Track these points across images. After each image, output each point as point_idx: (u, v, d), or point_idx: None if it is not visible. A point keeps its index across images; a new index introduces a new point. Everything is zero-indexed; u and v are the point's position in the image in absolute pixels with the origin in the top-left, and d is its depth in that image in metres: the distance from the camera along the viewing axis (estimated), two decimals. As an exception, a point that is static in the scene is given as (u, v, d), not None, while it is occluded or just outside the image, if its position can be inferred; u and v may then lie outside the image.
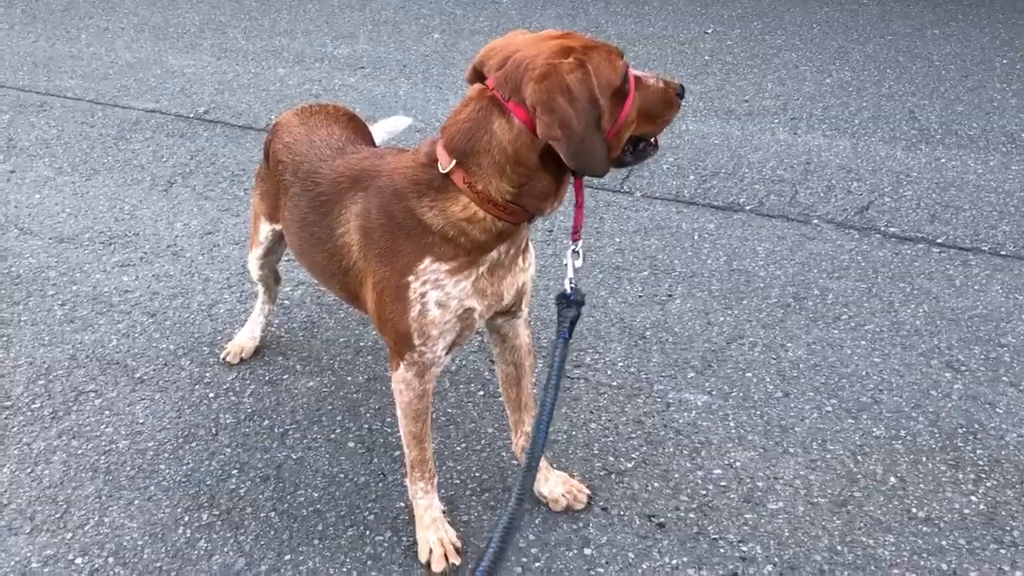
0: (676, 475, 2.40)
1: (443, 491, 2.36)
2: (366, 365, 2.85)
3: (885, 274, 3.18)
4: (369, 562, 2.19)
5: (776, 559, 2.16)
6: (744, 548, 2.19)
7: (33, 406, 2.75)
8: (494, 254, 1.89)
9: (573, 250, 1.95)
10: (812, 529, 2.23)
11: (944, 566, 2.12)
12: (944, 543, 2.18)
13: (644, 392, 2.69)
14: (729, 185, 3.84)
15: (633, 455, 2.46)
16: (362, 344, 2.95)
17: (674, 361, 2.81)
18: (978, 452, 2.44)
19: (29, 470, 2.51)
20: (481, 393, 2.71)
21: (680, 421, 2.57)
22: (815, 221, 3.52)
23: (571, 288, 1.92)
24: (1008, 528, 2.22)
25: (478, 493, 2.38)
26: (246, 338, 2.88)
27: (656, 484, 2.37)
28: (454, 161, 1.77)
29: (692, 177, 3.93)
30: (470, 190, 1.77)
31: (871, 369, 2.73)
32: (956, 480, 2.35)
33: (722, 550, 2.18)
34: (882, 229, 3.47)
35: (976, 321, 2.93)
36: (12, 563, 2.22)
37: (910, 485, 2.34)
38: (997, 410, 2.57)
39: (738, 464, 2.42)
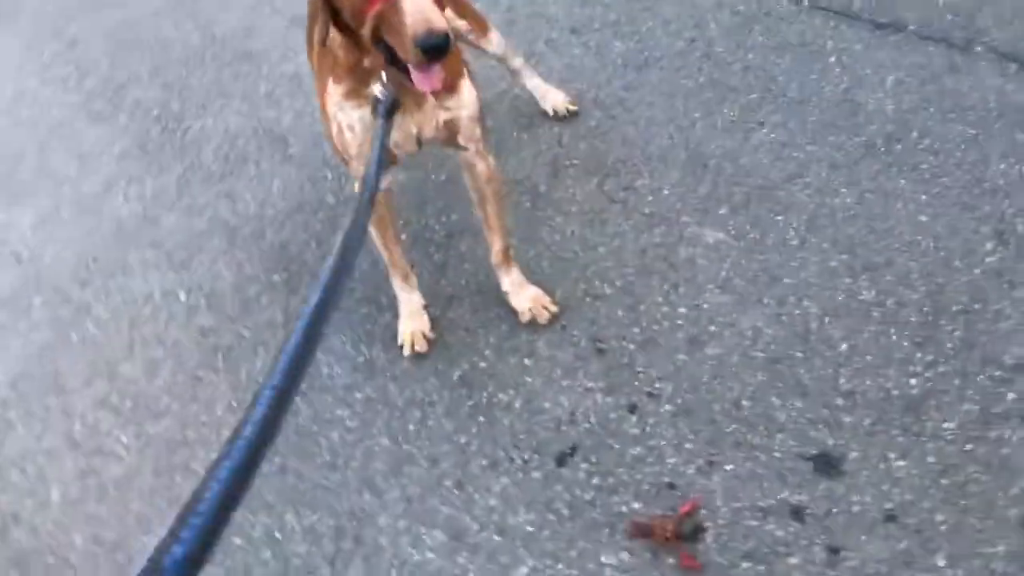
0: (643, 307, 2.57)
1: (451, 290, 2.76)
2: (452, 164, 3.18)
3: (1008, 120, 2.83)
4: (365, 337, 2.70)
5: (678, 400, 2.32)
6: (658, 385, 2.37)
7: (212, 166, 3.51)
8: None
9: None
10: (730, 380, 2.34)
11: (831, 441, 2.17)
12: (847, 419, 2.20)
13: (668, 222, 2.80)
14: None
15: (617, 282, 2.65)
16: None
17: (718, 194, 2.85)
18: (956, 334, 2.31)
19: (187, 220, 3.28)
20: (528, 205, 2.98)
21: (681, 256, 2.68)
22: (977, 49, 3.12)
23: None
24: (924, 418, 2.17)
25: (473, 293, 2.75)
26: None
27: (620, 312, 2.57)
28: None
29: (879, -17, 3.57)
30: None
31: (909, 228, 2.58)
32: (910, 359, 2.29)
33: (637, 383, 2.39)
34: (1050, 62, 3.01)
35: (1075, 187, 2.59)
36: (163, 291, 3.02)
37: (857, 356, 2.32)
38: (1015, 292, 2.37)
39: (706, 306, 2.53)
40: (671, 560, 2.01)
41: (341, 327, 2.72)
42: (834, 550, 1.96)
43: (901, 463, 2.09)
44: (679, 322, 2.50)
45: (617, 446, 2.26)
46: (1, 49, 4.84)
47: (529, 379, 2.46)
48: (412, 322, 2.61)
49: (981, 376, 2.20)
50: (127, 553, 2.30)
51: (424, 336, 2.60)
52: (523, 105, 3.34)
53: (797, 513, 2.04)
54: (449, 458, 2.33)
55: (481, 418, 2.39)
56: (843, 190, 2.75)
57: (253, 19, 4.39)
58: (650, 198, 2.89)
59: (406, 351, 2.58)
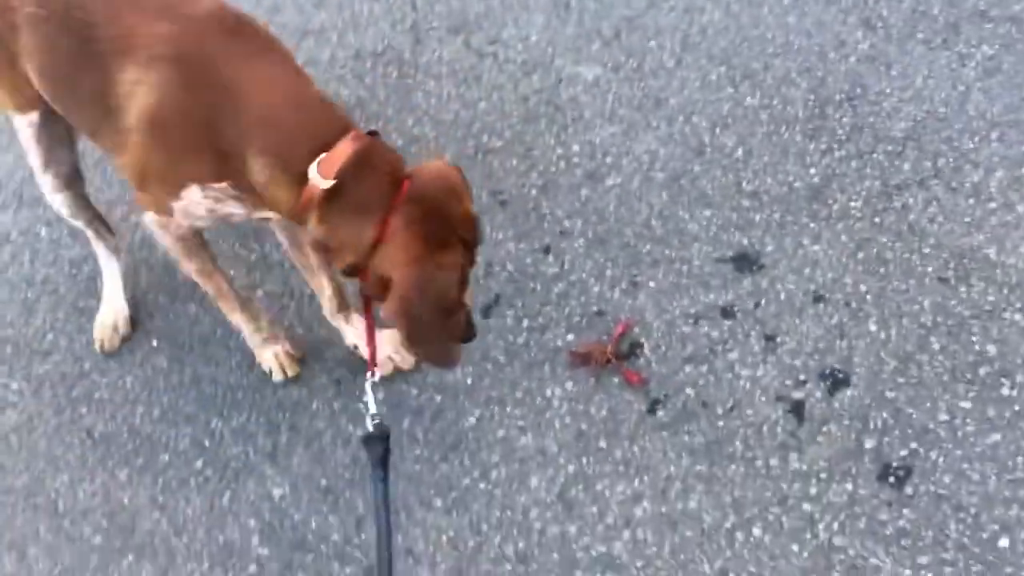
0: (536, 152, 2.51)
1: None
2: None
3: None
4: (253, 234, 2.54)
5: (590, 232, 2.30)
6: (567, 223, 2.34)
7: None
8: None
9: (372, 383, 1.80)
10: (636, 203, 2.32)
11: (745, 240, 2.19)
12: (757, 217, 2.22)
13: (543, 67, 2.73)
14: None
15: (506, 133, 2.59)
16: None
17: (587, 32, 2.79)
18: (844, 120, 2.35)
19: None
20: (395, 74, 2.85)
21: (564, 97, 2.63)
22: None
23: (372, 425, 1.75)
24: (831, 202, 2.21)
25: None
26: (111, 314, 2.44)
27: (514, 162, 2.51)
28: (330, 183, 1.58)
29: None
30: (304, 207, 1.62)
31: (779, 31, 2.60)
32: (804, 151, 2.32)
33: (546, 224, 2.35)
34: None
35: (930, -35, 2.65)
36: (20, 230, 2.77)
37: (754, 158, 2.34)
38: (891, 72, 2.42)
39: (598, 140, 2.49)
40: (615, 379, 2.01)
41: (226, 235, 2.56)
42: (770, 337, 1.99)
43: (816, 247, 2.13)
44: (575, 160, 2.46)
45: (539, 287, 2.22)
46: None
47: (435, 242, 2.38)
48: (270, 346, 2.18)
49: (875, 154, 2.26)
50: (46, 495, 2.15)
51: (291, 355, 2.19)
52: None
53: (727, 312, 2.06)
54: (370, 333, 2.24)
55: (394, 288, 2.31)
56: (708, 6, 2.74)
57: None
58: (520, 47, 2.81)
59: (276, 376, 2.18)
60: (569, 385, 2.03)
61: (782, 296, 2.06)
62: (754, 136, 2.37)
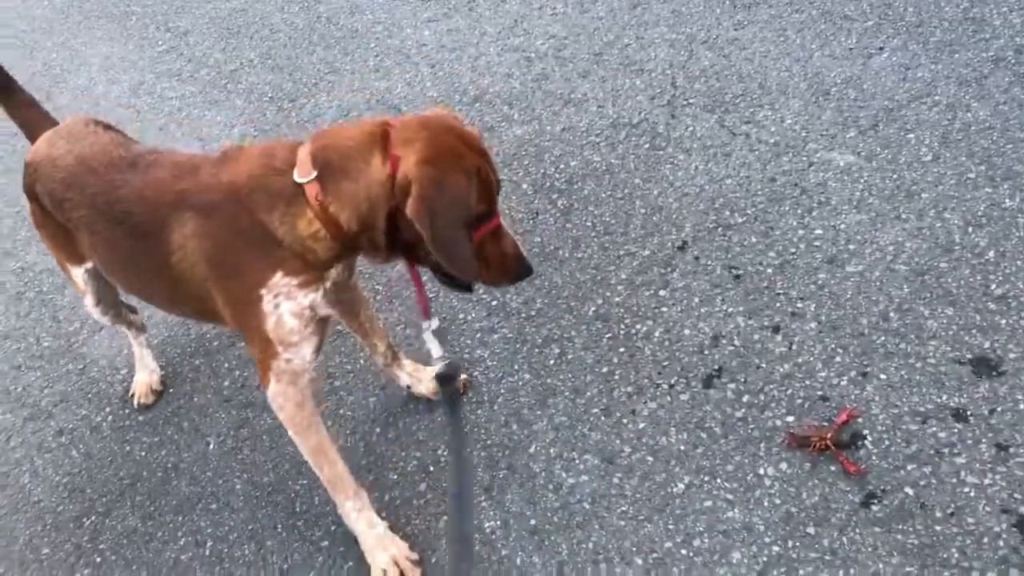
0: (777, 232, 2.55)
1: (577, 232, 2.77)
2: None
3: None
4: (497, 282, 2.72)
5: (823, 317, 2.30)
6: (800, 305, 2.35)
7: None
8: (334, 272, 1.88)
9: (431, 331, 1.92)
10: (875, 294, 2.31)
11: (987, 344, 2.12)
12: (1003, 322, 2.15)
13: (794, 150, 2.77)
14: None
15: (748, 211, 2.64)
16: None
17: (844, 119, 2.81)
18: (1112, 233, 2.24)
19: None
20: (647, 146, 2.98)
21: (812, 181, 2.65)
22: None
23: (443, 365, 1.91)
24: (1086, 315, 2.11)
25: (601, 234, 2.75)
26: (146, 375, 2.83)
27: (754, 239, 2.56)
28: (315, 173, 1.72)
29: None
30: (320, 208, 1.73)
31: (1050, 135, 2.51)
32: (1064, 261, 2.23)
33: (779, 304, 2.37)
34: None
35: None
36: None
37: (1007, 261, 2.27)
38: None
39: (843, 226, 2.50)
40: (832, 468, 1.99)
41: (473, 273, 2.74)
42: (1002, 447, 1.92)
43: (1064, 360, 2.03)
44: (816, 243, 2.47)
45: (764, 365, 2.24)
46: (113, 49, 5.03)
47: (666, 309, 2.46)
48: (386, 549, 2.09)
49: None
50: (286, 495, 2.37)
51: (412, 561, 2.08)
52: (633, 52, 3.34)
53: (959, 415, 2.00)
54: (593, 388, 2.34)
55: (621, 349, 2.40)
56: (974, 104, 2.68)
57: (355, -2, 4.48)
58: (773, 129, 2.86)
59: None
60: (783, 466, 2.03)
61: (1021, 406, 1.98)
62: (1009, 239, 2.30)
